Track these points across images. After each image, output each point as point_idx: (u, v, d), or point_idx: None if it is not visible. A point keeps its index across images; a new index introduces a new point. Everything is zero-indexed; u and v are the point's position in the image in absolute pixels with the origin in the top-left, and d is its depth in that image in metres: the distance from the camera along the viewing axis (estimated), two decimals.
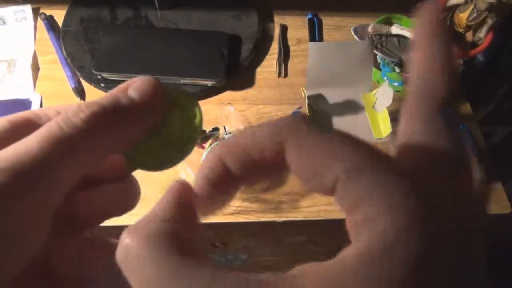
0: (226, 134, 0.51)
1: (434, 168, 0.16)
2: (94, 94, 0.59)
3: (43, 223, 0.16)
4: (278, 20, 0.69)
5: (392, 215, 0.14)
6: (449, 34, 0.17)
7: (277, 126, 0.15)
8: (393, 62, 0.64)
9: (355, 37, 0.66)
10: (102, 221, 0.21)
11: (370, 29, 0.65)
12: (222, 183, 0.16)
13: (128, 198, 0.22)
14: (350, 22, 0.68)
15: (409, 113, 0.17)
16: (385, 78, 0.62)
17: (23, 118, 0.18)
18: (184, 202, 0.16)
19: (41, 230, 0.16)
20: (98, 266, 0.20)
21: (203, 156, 0.49)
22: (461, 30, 0.59)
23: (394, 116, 0.59)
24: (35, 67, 0.61)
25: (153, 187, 0.52)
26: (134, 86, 0.18)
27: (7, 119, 0.17)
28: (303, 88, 0.58)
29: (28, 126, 0.17)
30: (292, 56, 0.66)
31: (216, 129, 0.52)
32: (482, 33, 0.58)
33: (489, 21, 0.56)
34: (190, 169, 0.49)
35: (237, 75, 0.62)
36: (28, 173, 0.15)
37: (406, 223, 0.14)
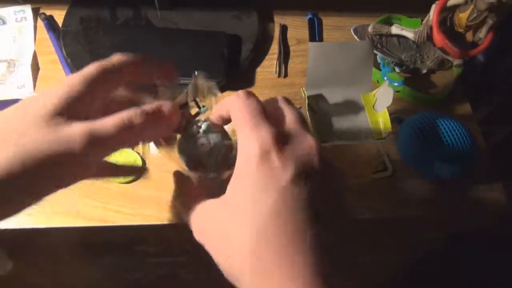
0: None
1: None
2: None
3: None
4: (278, 20, 0.69)
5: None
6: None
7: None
8: (393, 62, 0.64)
9: (355, 37, 0.66)
10: None
11: (370, 29, 0.65)
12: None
13: None
14: (350, 22, 0.68)
15: None
16: (385, 78, 0.62)
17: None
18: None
19: None
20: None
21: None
22: (461, 30, 0.59)
23: (394, 116, 0.59)
24: (35, 67, 0.61)
25: (152, 188, 0.52)
26: (165, 105, 0.31)
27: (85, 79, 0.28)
28: (303, 88, 0.58)
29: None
30: (292, 56, 0.66)
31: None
32: (482, 33, 0.58)
33: (489, 21, 0.56)
34: None
35: (237, 75, 0.62)
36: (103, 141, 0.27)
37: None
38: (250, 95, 0.29)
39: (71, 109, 0.27)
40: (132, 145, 0.31)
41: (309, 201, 0.26)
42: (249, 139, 0.27)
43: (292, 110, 0.30)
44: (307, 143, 0.28)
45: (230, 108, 0.29)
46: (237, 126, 0.28)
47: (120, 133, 0.27)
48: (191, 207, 0.30)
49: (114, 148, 0.28)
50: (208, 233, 0.28)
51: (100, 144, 0.27)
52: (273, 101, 0.31)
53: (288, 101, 0.32)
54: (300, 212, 0.25)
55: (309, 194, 0.26)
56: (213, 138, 0.37)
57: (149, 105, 0.30)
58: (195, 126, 0.38)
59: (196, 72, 0.37)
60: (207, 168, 0.37)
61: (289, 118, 0.30)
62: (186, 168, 0.38)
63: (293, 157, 0.26)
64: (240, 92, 0.29)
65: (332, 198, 0.29)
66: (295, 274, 0.23)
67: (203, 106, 0.40)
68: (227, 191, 0.28)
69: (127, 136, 0.28)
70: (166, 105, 0.31)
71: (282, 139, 0.27)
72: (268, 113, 0.29)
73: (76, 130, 0.26)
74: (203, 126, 0.37)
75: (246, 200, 0.26)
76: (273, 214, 0.25)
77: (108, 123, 0.27)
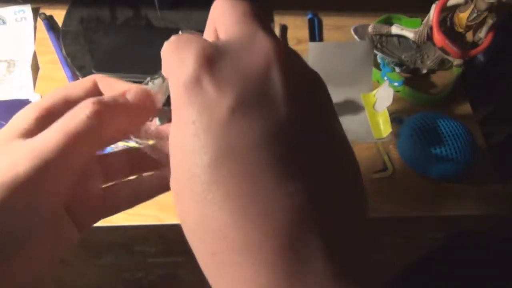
0: None
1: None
2: None
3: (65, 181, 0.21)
4: (278, 20, 0.69)
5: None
6: None
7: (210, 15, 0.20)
8: (393, 62, 0.64)
9: (355, 37, 0.66)
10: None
11: (370, 29, 0.65)
12: None
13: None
14: (350, 22, 0.68)
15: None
16: (385, 78, 0.62)
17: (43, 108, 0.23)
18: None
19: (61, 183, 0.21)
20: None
21: None
22: (461, 30, 0.59)
23: (394, 116, 0.59)
24: (35, 67, 0.61)
25: None
26: (131, 91, 0.23)
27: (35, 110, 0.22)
28: None
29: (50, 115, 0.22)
30: None
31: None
32: (482, 33, 0.58)
33: (489, 21, 0.56)
34: None
35: None
36: (50, 161, 0.20)
37: None
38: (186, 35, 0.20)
39: (34, 130, 0.22)
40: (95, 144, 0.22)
41: (268, 142, 0.16)
42: (172, 67, 0.18)
43: (236, 4, 0.19)
44: (258, 47, 0.18)
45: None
46: (162, 61, 0.20)
47: (67, 144, 0.20)
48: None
49: (70, 162, 0.21)
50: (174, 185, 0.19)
51: (48, 163, 0.20)
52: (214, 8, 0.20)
53: None
54: (253, 162, 0.16)
55: (270, 129, 0.16)
56: None
57: (106, 97, 0.22)
58: None
59: (180, 31, 0.25)
60: None
61: (230, 18, 0.19)
62: None
63: (233, 75, 0.17)
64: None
65: (321, 137, 0.18)
66: (257, 266, 0.15)
67: None
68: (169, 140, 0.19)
69: (78, 141, 0.21)
70: (131, 92, 0.23)
71: (215, 53, 0.18)
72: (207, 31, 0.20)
73: (23, 153, 0.20)
74: None
75: (183, 151, 0.17)
76: (212, 169, 0.16)
77: (49, 136, 0.21)
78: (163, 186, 0.27)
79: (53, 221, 0.22)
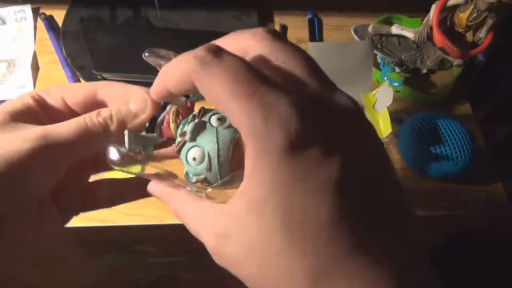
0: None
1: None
2: None
3: (57, 170, 0.23)
4: (278, 20, 0.69)
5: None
6: None
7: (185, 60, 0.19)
8: (393, 62, 0.64)
9: (355, 37, 0.66)
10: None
11: (370, 29, 0.65)
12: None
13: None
14: (350, 22, 0.68)
15: None
16: (385, 78, 0.62)
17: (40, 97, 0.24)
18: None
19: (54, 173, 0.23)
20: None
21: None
22: (461, 30, 0.59)
23: (394, 116, 0.59)
24: (35, 67, 0.61)
25: None
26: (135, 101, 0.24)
27: (32, 96, 0.24)
28: None
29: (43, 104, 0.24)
30: None
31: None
32: (482, 33, 0.58)
33: (489, 21, 0.56)
34: None
35: None
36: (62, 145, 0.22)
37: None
38: (223, 52, 0.18)
39: (28, 116, 0.23)
40: (97, 149, 0.23)
41: (371, 186, 0.17)
42: (256, 124, 0.16)
43: (294, 52, 0.19)
44: (343, 104, 0.18)
45: (197, 81, 0.18)
46: (226, 108, 0.17)
47: (79, 137, 0.22)
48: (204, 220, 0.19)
49: (73, 154, 0.23)
50: (239, 260, 0.18)
51: (54, 147, 0.22)
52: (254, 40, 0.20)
53: (277, 35, 0.19)
54: (365, 208, 0.17)
55: (368, 191, 0.17)
56: (207, 143, 0.21)
57: (116, 108, 0.24)
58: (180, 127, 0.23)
59: (147, 52, 0.25)
60: (212, 184, 0.22)
61: (295, 67, 0.18)
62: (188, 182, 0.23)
63: (337, 135, 0.17)
64: (205, 49, 0.18)
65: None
66: None
67: (189, 96, 0.26)
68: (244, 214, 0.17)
69: (88, 140, 0.23)
70: (137, 97, 0.24)
71: (312, 108, 0.17)
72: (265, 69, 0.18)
73: (30, 132, 0.22)
74: (188, 128, 0.22)
75: (281, 209, 0.16)
76: (334, 225, 0.16)
77: (65, 125, 0.22)
78: (144, 192, 0.26)
79: (39, 204, 0.24)
